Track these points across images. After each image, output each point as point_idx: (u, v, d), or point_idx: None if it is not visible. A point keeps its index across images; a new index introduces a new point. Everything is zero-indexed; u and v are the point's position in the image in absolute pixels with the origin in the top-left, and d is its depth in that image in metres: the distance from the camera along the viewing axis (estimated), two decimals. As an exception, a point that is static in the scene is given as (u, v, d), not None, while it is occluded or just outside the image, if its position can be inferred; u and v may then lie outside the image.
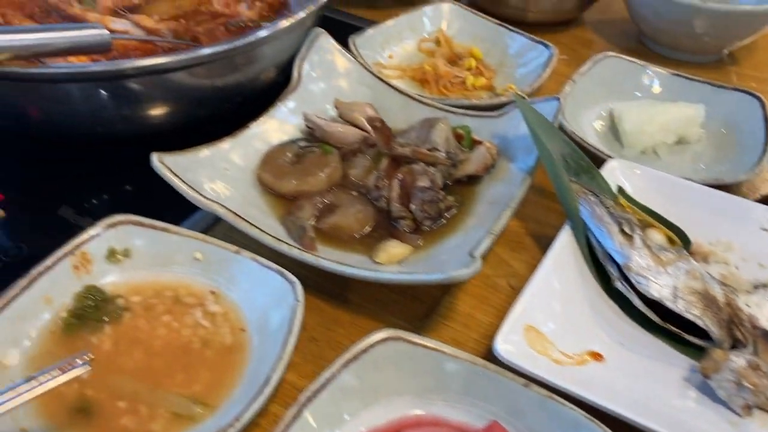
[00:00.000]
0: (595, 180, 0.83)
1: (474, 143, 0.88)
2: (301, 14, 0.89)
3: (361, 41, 1.07)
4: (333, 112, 0.93)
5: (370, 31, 1.10)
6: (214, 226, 0.82)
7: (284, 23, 0.87)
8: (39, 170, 0.91)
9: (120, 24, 1.05)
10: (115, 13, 1.09)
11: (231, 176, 0.82)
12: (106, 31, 0.83)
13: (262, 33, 0.85)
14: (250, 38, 0.84)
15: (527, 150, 0.85)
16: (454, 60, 1.12)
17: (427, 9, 1.17)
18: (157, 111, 0.87)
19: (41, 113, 0.85)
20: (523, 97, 0.97)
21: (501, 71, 1.11)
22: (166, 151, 0.76)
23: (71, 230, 0.81)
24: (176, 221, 0.81)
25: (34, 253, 0.78)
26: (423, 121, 0.89)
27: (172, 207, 0.77)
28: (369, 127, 0.90)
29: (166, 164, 0.74)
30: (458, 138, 0.88)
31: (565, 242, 0.76)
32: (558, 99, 0.88)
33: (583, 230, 0.76)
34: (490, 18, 1.16)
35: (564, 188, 0.79)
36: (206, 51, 0.81)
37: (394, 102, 0.96)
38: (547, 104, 0.88)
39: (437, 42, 1.15)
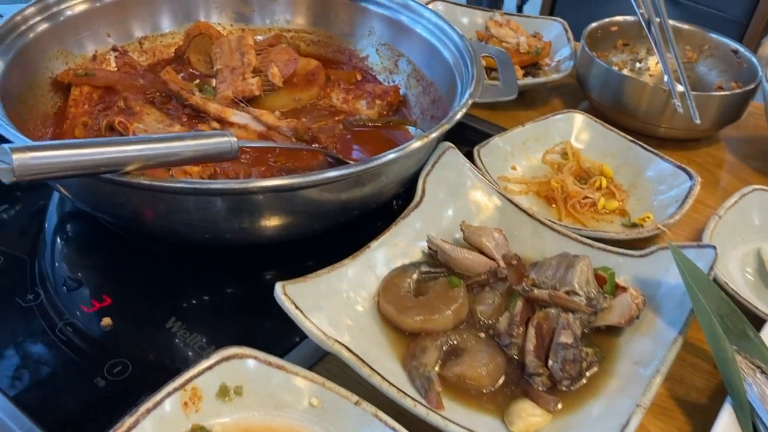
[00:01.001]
0: (758, 349, 0.73)
1: (617, 289, 0.79)
2: (435, 134, 0.84)
3: (486, 151, 1.01)
4: (459, 235, 0.87)
5: (497, 141, 1.04)
6: (326, 356, 0.76)
7: (417, 144, 0.82)
8: (149, 272, 0.87)
9: (240, 117, 1.02)
10: (234, 103, 1.07)
11: (350, 303, 0.76)
12: (234, 139, 0.79)
13: (394, 154, 0.79)
14: (383, 159, 0.78)
15: (677, 302, 0.76)
16: (581, 176, 1.05)
17: (556, 119, 1.10)
18: (273, 223, 0.82)
19: (155, 216, 0.82)
20: (667, 235, 0.89)
21: (634, 193, 1.03)
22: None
23: (179, 347, 0.77)
24: (283, 338, 0.76)
25: (138, 372, 0.74)
26: (561, 257, 0.81)
27: (278, 319, 0.70)
28: (498, 256, 0.83)
29: (290, 296, 0.69)
30: (599, 280, 0.80)
31: (726, 425, 0.66)
32: (714, 248, 0.79)
33: (749, 414, 0.67)
34: (622, 133, 1.09)
35: (726, 360, 0.69)
36: (335, 173, 0.76)
37: (524, 226, 0.89)
38: (700, 252, 0.80)
39: (564, 155, 1.08)
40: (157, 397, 0.63)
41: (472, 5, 1.42)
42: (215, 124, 1.02)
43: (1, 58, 0.90)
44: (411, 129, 1.09)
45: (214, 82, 1.12)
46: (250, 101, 1.08)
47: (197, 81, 1.11)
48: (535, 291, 0.77)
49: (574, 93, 1.31)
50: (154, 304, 0.82)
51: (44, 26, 1.01)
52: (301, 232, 0.87)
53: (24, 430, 0.67)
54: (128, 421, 0.61)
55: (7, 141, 0.73)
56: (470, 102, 0.90)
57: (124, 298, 0.82)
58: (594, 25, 1.27)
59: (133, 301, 0.82)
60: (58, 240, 0.93)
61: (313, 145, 1.01)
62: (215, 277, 0.87)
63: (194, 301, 0.83)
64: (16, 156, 0.62)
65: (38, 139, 0.95)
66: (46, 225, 0.94)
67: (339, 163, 0.98)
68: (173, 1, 1.16)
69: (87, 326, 0.78)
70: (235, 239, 0.84)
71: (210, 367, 0.66)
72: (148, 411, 0.62)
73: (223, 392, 0.66)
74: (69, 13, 1.05)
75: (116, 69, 1.12)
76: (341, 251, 0.79)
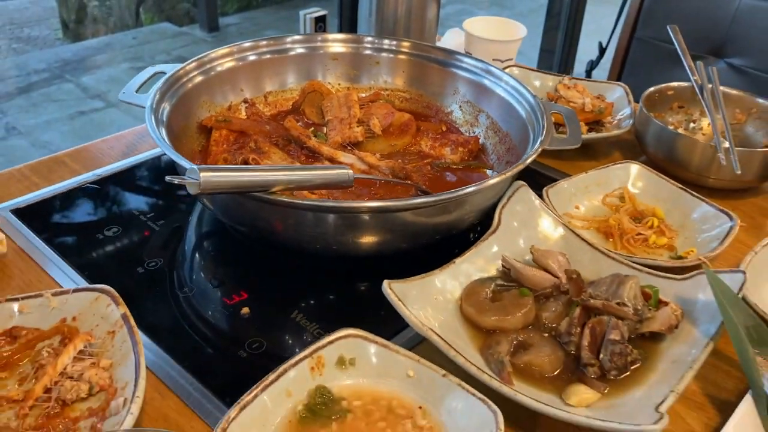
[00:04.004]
0: (778, 354, 0.88)
1: (660, 303, 0.95)
2: (510, 172, 1.03)
3: (553, 192, 1.20)
4: (528, 257, 1.05)
5: (563, 184, 1.23)
6: (420, 344, 0.94)
7: (496, 180, 1.01)
8: (275, 275, 1.08)
9: (347, 158, 1.24)
10: (342, 147, 1.29)
11: (439, 305, 0.95)
12: (351, 171, 1.01)
13: (475, 187, 0.99)
14: (467, 190, 0.98)
15: (711, 316, 0.92)
16: (636, 217, 1.22)
17: (616, 167, 1.28)
18: (370, 239, 1.02)
19: (283, 228, 1.03)
20: (707, 264, 1.05)
21: (682, 233, 1.19)
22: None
23: (301, 332, 0.97)
24: (383, 330, 0.94)
25: (271, 348, 0.94)
26: (613, 276, 0.98)
27: (375, 320, 0.92)
28: (561, 274, 1.00)
29: (394, 291, 0.88)
30: (645, 296, 0.96)
31: (746, 412, 0.81)
32: (744, 273, 0.95)
33: (765, 404, 0.81)
34: (673, 181, 1.25)
35: (748, 360, 0.84)
36: (429, 199, 0.97)
37: (585, 253, 1.06)
38: (732, 276, 0.95)
39: (621, 198, 1.25)
40: (293, 360, 0.83)
41: (544, 70, 1.62)
42: (327, 163, 1.24)
43: (168, 101, 1.16)
44: (489, 172, 1.28)
45: (325, 129, 1.35)
46: (354, 145, 1.30)
47: (312, 128, 1.35)
48: (591, 301, 0.94)
49: (632, 148, 1.48)
50: (281, 299, 1.03)
51: (199, 79, 1.27)
52: (392, 249, 1.07)
53: (190, 385, 0.88)
54: (271, 376, 0.81)
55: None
56: (541, 148, 1.10)
57: (257, 295, 1.03)
58: (652, 89, 1.45)
59: (265, 297, 1.03)
60: (202, 250, 1.15)
61: (406, 182, 1.22)
62: (330, 281, 1.08)
63: (312, 301, 1.04)
64: (203, 174, 0.85)
65: (189, 169, 1.20)
66: (188, 241, 1.17)
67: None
68: (298, 63, 1.42)
69: (231, 313, 0.99)
70: (340, 251, 1.04)
71: (332, 342, 0.86)
72: (286, 370, 0.82)
73: (341, 362, 0.86)
74: (219, 68, 1.31)
75: (246, 117, 1.37)
76: (425, 268, 0.99)
